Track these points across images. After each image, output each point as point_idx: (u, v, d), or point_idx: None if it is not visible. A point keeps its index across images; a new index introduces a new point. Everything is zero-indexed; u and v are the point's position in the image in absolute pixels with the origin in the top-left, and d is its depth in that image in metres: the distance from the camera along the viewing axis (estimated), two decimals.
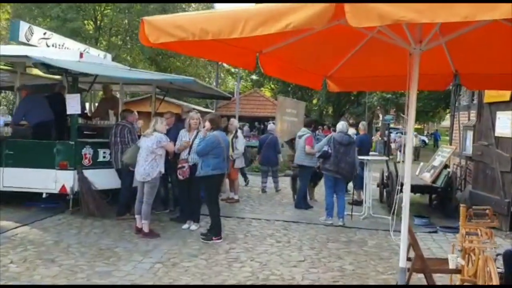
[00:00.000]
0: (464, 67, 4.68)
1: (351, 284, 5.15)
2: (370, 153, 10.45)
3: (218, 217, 6.74)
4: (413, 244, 4.24)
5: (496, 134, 8.26)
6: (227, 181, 9.69)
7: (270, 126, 12.54)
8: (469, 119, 10.60)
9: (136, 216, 6.77)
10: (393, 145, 25.60)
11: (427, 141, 41.03)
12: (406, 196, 3.88)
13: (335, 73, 5.06)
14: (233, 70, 37.15)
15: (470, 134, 9.99)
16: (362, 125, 11.46)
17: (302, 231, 7.59)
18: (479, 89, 5.33)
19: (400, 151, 19.10)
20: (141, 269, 5.28)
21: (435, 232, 7.89)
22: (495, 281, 3.72)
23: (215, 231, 6.62)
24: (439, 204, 9.88)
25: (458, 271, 4.24)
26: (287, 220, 8.33)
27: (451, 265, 4.24)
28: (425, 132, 46.73)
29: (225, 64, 34.61)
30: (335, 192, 8.36)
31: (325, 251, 6.41)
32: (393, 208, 9.24)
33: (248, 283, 5.01)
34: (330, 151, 8.12)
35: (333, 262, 5.92)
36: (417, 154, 27.46)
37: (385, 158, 10.25)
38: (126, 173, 7.41)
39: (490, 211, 4.67)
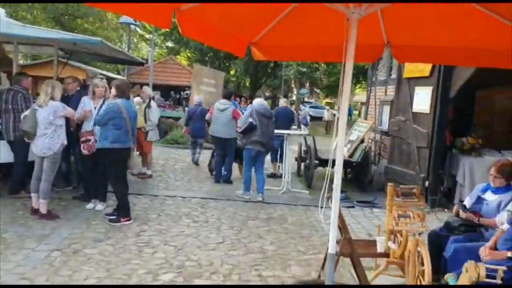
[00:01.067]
0: (397, 38, 4.39)
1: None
2: (293, 127, 10.22)
3: (125, 196, 6.04)
4: (342, 227, 3.95)
5: (413, 110, 8.32)
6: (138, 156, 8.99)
7: (199, 98, 11.94)
8: (386, 94, 10.69)
9: (32, 194, 5.91)
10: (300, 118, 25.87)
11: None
12: (338, 177, 3.54)
13: (261, 40, 4.55)
14: (147, 36, 35.36)
15: (387, 109, 10.07)
16: (283, 99, 11.21)
17: (220, 208, 7.16)
18: (410, 61, 5.17)
19: (304, 124, 19.22)
20: (34, 259, 4.54)
21: (353, 207, 7.85)
22: (427, 265, 3.52)
23: (123, 212, 5.95)
24: (355, 178, 9.94)
25: (386, 254, 4.03)
26: (205, 197, 7.84)
27: (380, 248, 4.02)
28: (336, 107, 47.98)
29: (138, 29, 32.88)
30: (254, 166, 8.02)
31: (245, 231, 6.04)
32: (309, 182, 9.14)
33: (161, 271, 4.48)
34: (255, 123, 7.77)
35: (253, 243, 5.56)
36: (329, 128, 28.16)
37: (305, 132, 10.06)
38: (19, 145, 6.42)
39: (418, 190, 4.52)
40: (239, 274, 4.55)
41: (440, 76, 7.60)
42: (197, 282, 4.30)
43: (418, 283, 3.71)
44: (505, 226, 3.95)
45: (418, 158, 8.05)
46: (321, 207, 3.82)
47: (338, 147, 3.54)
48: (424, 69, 7.87)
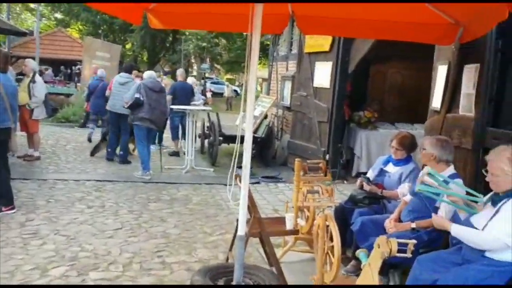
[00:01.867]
0: (301, 8, 4.24)
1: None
2: (193, 102, 9.85)
3: (6, 181, 5.33)
4: (251, 206, 3.75)
5: (314, 85, 8.37)
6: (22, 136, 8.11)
7: (101, 71, 11.04)
8: (287, 70, 10.69)
9: None
10: (208, 95, 25.49)
11: (239, 91, 42.40)
12: (247, 155, 3.32)
13: (158, 6, 4.14)
14: (32, 5, 32.31)
15: (288, 85, 10.08)
16: (180, 71, 10.74)
17: (118, 191, 6.66)
18: (314, 33, 5.06)
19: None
20: None
21: (258, 183, 7.77)
22: (337, 241, 3.46)
23: (5, 200, 5.26)
24: (259, 153, 9.89)
25: (296, 231, 3.93)
26: (100, 179, 7.26)
27: (289, 226, 3.90)
28: (237, 83, 48.20)
29: None
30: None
31: (146, 214, 5.66)
32: (214, 159, 8.91)
33: (51, 265, 3.99)
34: (142, 98, 7.30)
35: (155, 227, 5.21)
36: (230, 104, 28.09)
37: (208, 108, 9.74)
38: None
39: (324, 165, 4.47)
40: (140, 263, 4.20)
41: (339, 51, 7.68)
42: (92, 275, 3.89)
43: (328, 259, 3.65)
44: (408, 198, 4.02)
45: (319, 132, 8.15)
46: (229, 185, 3.61)
47: (247, 123, 3.32)
48: (323, 44, 7.91)
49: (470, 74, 4.21)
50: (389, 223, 3.82)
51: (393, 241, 2.77)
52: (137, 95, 7.32)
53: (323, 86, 8.08)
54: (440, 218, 3.08)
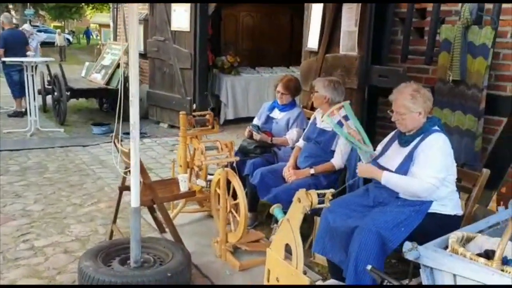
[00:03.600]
0: None
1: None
2: (28, 53, 8.45)
3: None
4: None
5: (172, 28, 7.74)
6: None
7: None
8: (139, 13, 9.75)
9: None
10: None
11: (71, 39, 38.62)
12: (135, 112, 2.81)
13: None
14: None
15: (140, 29, 9.21)
16: (6, 18, 9.08)
17: None
18: None
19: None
20: None
21: (121, 140, 7.03)
22: (242, 197, 3.19)
23: None
24: (113, 107, 9.04)
25: (192, 193, 3.54)
26: None
27: (183, 187, 3.50)
28: (66, 30, 43.69)
29: None
30: None
31: None
32: (62, 118, 7.87)
33: None
34: None
35: (11, 205, 4.34)
36: (63, 54, 25.43)
37: (50, 59, 8.44)
38: None
39: (211, 116, 4.10)
40: (1, 253, 3.43)
41: None
42: None
43: (233, 217, 3.38)
44: (301, 143, 3.90)
45: (182, 80, 7.64)
46: (116, 142, 3.06)
47: (132, 74, 2.76)
48: None
49: (351, 12, 4.13)
50: (288, 172, 3.66)
51: (313, 193, 2.58)
52: None
53: (183, 29, 7.51)
54: (368, 166, 2.92)
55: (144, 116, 8.49)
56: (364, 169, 2.91)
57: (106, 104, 9.60)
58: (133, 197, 2.85)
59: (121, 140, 6.55)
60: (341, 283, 2.99)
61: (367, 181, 3.39)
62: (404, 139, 2.87)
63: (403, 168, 2.76)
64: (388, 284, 2.49)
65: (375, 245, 2.61)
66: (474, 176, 2.96)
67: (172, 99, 7.80)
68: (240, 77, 8.27)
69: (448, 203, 2.78)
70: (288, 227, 2.67)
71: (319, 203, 2.62)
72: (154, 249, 3.08)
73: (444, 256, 1.93)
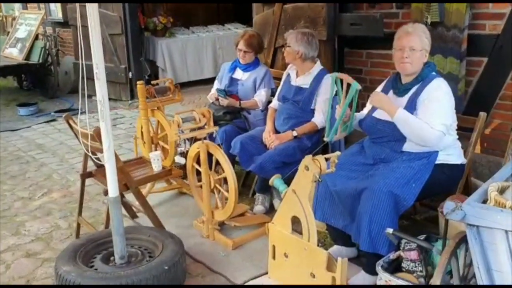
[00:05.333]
0: None
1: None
2: None
3: None
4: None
5: None
6: None
7: None
8: None
9: None
10: None
11: None
12: (102, 86, 2.38)
13: None
14: None
15: None
16: None
17: None
18: None
19: None
20: None
21: (54, 120, 6.38)
22: (229, 170, 2.88)
23: None
24: (37, 85, 8.19)
25: (168, 172, 3.17)
26: None
27: (157, 167, 3.11)
28: None
29: None
30: None
31: None
32: None
33: None
34: None
35: None
36: None
37: None
38: None
39: (171, 84, 3.68)
40: None
41: None
42: None
43: (217, 192, 3.08)
44: (276, 104, 3.62)
45: (113, 47, 6.98)
46: (72, 123, 2.61)
47: (94, 45, 2.32)
48: None
49: None
50: (269, 137, 3.38)
51: (320, 159, 2.34)
52: None
53: None
54: (383, 95, 2.62)
55: (72, 91, 7.76)
56: (379, 98, 2.61)
57: (27, 82, 8.68)
58: (111, 186, 2.45)
59: (54, 120, 5.90)
60: (345, 248, 2.83)
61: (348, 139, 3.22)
62: (402, 88, 2.68)
63: None
64: (408, 245, 2.35)
65: (388, 206, 2.44)
66: (470, 121, 2.86)
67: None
68: (175, 39, 7.72)
69: (453, 151, 2.65)
70: (294, 199, 2.43)
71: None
72: (138, 240, 2.73)
73: (495, 212, 1.76)
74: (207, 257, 2.91)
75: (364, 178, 2.62)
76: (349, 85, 2.69)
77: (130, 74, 6.94)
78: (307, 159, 2.34)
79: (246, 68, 3.90)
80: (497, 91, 3.28)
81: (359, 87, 2.61)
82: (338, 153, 2.46)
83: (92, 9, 2.29)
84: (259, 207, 3.45)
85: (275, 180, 2.57)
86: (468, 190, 2.96)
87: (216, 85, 4.05)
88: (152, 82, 3.64)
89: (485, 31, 3.25)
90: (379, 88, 2.86)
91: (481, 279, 1.87)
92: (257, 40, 3.88)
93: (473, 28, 3.26)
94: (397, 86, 2.71)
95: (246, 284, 2.65)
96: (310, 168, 2.32)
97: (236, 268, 2.81)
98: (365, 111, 2.89)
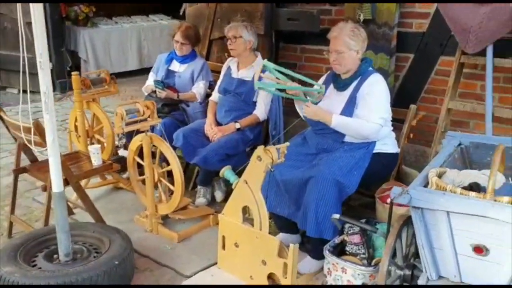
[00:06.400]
0: None
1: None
2: None
3: None
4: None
5: None
6: None
7: None
8: None
9: None
10: None
11: None
12: (46, 77, 2.26)
13: None
14: None
15: None
16: None
17: None
18: None
19: None
20: None
21: None
22: (176, 163, 2.86)
23: None
24: None
25: (109, 166, 3.07)
26: None
27: (96, 160, 3.01)
28: None
29: None
30: None
31: None
32: None
33: None
34: None
35: None
36: None
37: None
38: None
39: (107, 75, 3.58)
40: None
41: None
42: None
43: (161, 185, 3.04)
44: (216, 97, 3.63)
45: (32, 36, 6.54)
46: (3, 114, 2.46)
47: (38, 40, 2.21)
48: None
49: None
50: (211, 129, 3.39)
51: (272, 149, 2.41)
52: None
53: None
54: (317, 108, 2.74)
55: None
56: (313, 111, 2.74)
57: None
58: (55, 181, 2.34)
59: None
60: (290, 235, 2.93)
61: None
62: (341, 83, 2.82)
63: (347, 112, 2.72)
64: (351, 229, 2.49)
65: (333, 193, 2.57)
66: (402, 113, 3.08)
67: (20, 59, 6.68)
68: (98, 29, 7.42)
69: (389, 141, 2.84)
70: (246, 189, 2.48)
71: None
72: (82, 237, 2.63)
73: (437, 195, 1.93)
74: (153, 251, 2.88)
75: (309, 167, 2.74)
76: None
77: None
78: (260, 150, 2.40)
79: (183, 60, 3.87)
80: (422, 85, 3.54)
81: (264, 61, 2.85)
82: (287, 143, 2.55)
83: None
84: (201, 200, 3.46)
85: (226, 171, 2.60)
86: (400, 177, 3.20)
87: (152, 77, 3.98)
88: (86, 73, 3.50)
89: (412, 29, 3.49)
90: (320, 82, 2.99)
91: (425, 257, 2.05)
92: (194, 32, 3.86)
93: (401, 26, 3.49)
94: (337, 81, 2.85)
95: (193, 276, 2.66)
96: (263, 159, 2.38)
97: (183, 260, 2.80)
98: None
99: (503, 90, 3.15)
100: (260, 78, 2.88)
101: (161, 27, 8.08)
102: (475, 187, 2.02)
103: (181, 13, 7.93)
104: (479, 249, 1.91)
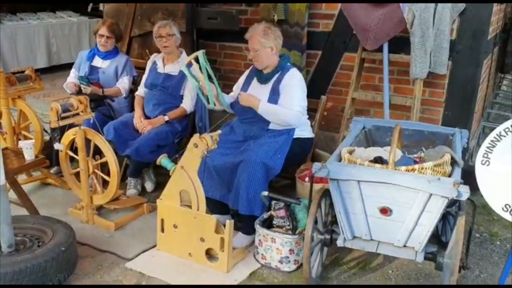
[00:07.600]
0: None
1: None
2: None
3: None
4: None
5: None
6: None
7: None
8: None
9: None
10: None
11: None
12: None
13: None
14: None
15: None
16: None
17: None
18: None
19: None
20: None
21: None
22: (111, 156, 3.01)
23: None
24: None
25: (42, 160, 3.13)
26: None
27: (29, 155, 3.06)
28: None
29: None
30: None
31: None
32: None
33: None
34: None
35: None
36: None
37: None
38: None
39: (32, 72, 3.59)
40: None
41: None
42: None
43: (95, 177, 3.16)
44: (142, 92, 3.80)
45: None
46: None
47: None
48: None
49: None
50: (140, 122, 3.56)
51: (206, 137, 2.67)
52: None
53: None
54: (248, 96, 3.06)
55: None
56: (245, 97, 3.06)
57: None
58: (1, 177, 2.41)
59: None
60: (222, 216, 3.19)
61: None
62: (263, 77, 3.15)
63: (271, 102, 3.06)
64: (277, 205, 2.83)
65: (262, 174, 2.89)
66: (314, 103, 3.48)
67: None
68: (3, 26, 7.10)
69: (306, 128, 3.23)
70: (183, 174, 2.72)
71: None
72: (21, 229, 2.69)
73: (350, 168, 2.33)
74: (92, 239, 3.01)
75: (239, 153, 3.04)
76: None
77: None
78: (195, 138, 2.66)
79: (106, 56, 3.96)
80: (329, 79, 3.99)
81: (201, 52, 2.98)
82: (219, 131, 2.82)
83: None
84: (132, 191, 3.61)
85: (163, 160, 2.82)
86: (314, 159, 3.61)
87: (74, 73, 4.02)
88: (12, 69, 3.50)
89: (320, 28, 3.92)
90: (243, 77, 3.31)
91: (342, 221, 2.44)
92: (117, 27, 3.99)
93: (311, 26, 3.90)
94: (260, 75, 3.17)
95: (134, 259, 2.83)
96: (199, 145, 2.64)
97: (123, 245, 2.96)
98: (232, 94, 3.31)
99: (398, 82, 3.70)
100: (189, 65, 3.07)
101: (70, 24, 7.91)
102: (379, 160, 2.45)
103: (89, 10, 7.88)
104: (384, 210, 2.33)
